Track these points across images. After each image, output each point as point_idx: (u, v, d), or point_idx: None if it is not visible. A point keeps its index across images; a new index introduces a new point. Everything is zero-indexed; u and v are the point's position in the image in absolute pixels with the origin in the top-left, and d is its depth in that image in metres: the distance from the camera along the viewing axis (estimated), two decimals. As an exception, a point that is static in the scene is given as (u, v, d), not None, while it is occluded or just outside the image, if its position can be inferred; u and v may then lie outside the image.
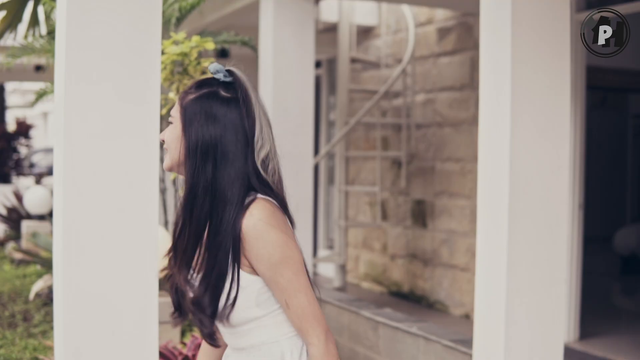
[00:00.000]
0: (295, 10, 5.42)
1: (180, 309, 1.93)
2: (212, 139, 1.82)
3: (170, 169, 1.92)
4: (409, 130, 6.99)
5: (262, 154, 1.84)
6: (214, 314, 1.81)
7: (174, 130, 1.89)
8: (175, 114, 1.89)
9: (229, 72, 1.90)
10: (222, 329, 1.90)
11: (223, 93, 1.86)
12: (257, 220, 1.77)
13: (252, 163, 1.83)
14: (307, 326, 1.79)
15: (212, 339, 1.86)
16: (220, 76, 1.89)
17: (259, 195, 1.82)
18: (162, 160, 5.69)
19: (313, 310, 1.79)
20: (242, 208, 1.79)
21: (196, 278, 1.84)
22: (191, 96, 1.88)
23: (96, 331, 2.63)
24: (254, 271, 1.80)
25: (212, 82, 1.89)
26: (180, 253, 1.85)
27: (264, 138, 1.85)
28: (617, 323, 6.22)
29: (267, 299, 1.83)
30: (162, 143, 1.95)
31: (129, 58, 2.65)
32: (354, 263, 7.86)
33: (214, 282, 1.79)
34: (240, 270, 1.80)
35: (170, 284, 1.94)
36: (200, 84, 1.90)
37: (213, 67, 1.91)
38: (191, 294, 1.84)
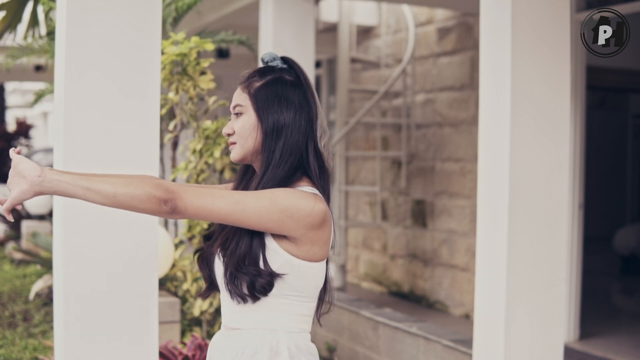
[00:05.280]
0: (295, 10, 5.42)
1: (211, 283, 1.94)
2: (285, 122, 1.86)
3: (242, 160, 1.92)
4: (409, 130, 6.99)
5: (324, 139, 1.91)
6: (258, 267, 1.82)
7: (247, 120, 1.88)
8: (245, 103, 1.89)
9: (283, 60, 1.94)
10: (230, 301, 1.89)
11: (288, 77, 1.91)
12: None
13: (315, 146, 1.89)
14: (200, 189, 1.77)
15: (270, 287, 1.82)
16: (277, 64, 1.93)
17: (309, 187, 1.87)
18: (161, 159, 5.69)
19: (206, 198, 1.74)
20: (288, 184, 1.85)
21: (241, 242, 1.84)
22: (257, 84, 1.89)
23: (96, 331, 2.63)
24: (278, 239, 1.82)
25: (272, 68, 1.92)
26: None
27: (324, 124, 1.92)
28: (617, 323, 6.22)
29: (283, 281, 1.83)
30: (226, 136, 1.92)
31: (128, 56, 2.65)
32: (354, 263, 7.86)
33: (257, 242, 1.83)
34: (271, 237, 1.83)
35: (202, 261, 1.95)
36: (262, 72, 1.92)
37: (269, 56, 1.94)
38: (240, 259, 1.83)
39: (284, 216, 1.78)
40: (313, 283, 1.87)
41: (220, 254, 1.87)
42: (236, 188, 1.99)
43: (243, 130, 1.88)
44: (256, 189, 1.86)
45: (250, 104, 1.88)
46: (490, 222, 3.21)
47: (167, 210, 1.71)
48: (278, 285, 1.82)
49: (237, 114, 1.90)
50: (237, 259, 1.81)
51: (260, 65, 1.97)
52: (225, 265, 1.84)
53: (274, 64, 1.93)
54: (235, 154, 1.90)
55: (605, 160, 10.21)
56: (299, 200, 1.79)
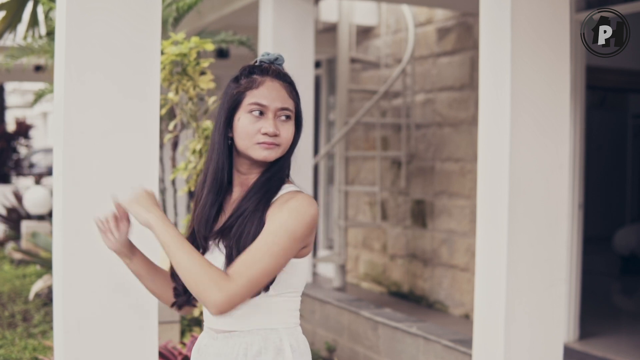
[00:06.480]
0: (295, 10, 5.43)
1: (185, 292, 1.95)
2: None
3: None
4: (408, 130, 6.99)
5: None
6: None
7: (292, 128, 1.91)
8: (293, 109, 1.91)
9: None
10: None
11: None
12: (299, 193, 1.86)
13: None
14: (235, 270, 1.74)
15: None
16: (282, 69, 1.96)
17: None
18: (161, 160, 5.69)
19: (252, 273, 1.74)
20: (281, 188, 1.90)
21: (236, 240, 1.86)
22: (296, 93, 1.93)
23: (96, 331, 2.63)
24: None
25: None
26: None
27: None
28: (617, 323, 6.22)
29: (280, 280, 1.84)
30: (270, 135, 1.88)
31: (128, 56, 2.65)
32: (354, 263, 7.86)
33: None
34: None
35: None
36: (291, 78, 1.94)
37: (283, 60, 1.95)
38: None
39: (302, 241, 1.81)
40: (302, 278, 1.90)
41: (221, 243, 1.86)
42: (210, 201, 1.94)
43: (290, 138, 1.90)
44: (253, 188, 1.88)
45: (294, 113, 1.91)
46: (490, 222, 3.21)
47: (216, 313, 1.74)
48: (276, 285, 1.83)
49: (286, 117, 1.89)
50: (244, 240, 1.81)
51: (263, 63, 1.95)
52: (229, 249, 1.83)
53: (281, 69, 1.94)
54: (275, 155, 1.89)
55: (605, 160, 10.21)
56: (305, 213, 1.80)
